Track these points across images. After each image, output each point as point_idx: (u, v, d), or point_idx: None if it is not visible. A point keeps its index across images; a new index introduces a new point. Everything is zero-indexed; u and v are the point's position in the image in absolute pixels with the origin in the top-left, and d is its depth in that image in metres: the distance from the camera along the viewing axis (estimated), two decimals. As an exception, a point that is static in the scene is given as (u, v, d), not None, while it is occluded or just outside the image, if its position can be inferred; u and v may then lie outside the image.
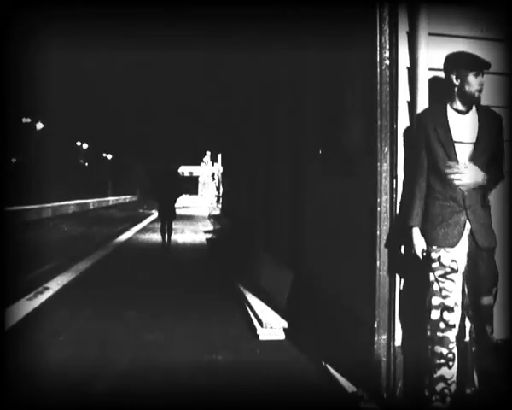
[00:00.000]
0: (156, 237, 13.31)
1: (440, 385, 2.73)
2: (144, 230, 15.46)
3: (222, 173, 24.65)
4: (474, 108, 2.82)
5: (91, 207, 34.53)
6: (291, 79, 5.94)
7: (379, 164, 3.16)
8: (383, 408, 3.01)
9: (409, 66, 3.10)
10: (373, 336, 3.15)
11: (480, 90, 2.77)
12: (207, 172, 43.35)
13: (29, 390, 3.19)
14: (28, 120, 38.80)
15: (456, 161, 2.75)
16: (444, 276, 2.76)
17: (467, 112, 2.81)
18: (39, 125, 40.94)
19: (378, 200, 3.15)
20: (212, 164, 36.96)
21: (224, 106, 13.93)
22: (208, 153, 40.03)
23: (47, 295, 5.98)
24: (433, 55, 3.06)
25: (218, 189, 31.10)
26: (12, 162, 36.08)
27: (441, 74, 2.99)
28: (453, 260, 2.75)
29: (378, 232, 3.15)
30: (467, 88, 2.76)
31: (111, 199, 45.26)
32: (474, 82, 2.75)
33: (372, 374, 3.17)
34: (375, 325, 3.15)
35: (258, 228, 8.41)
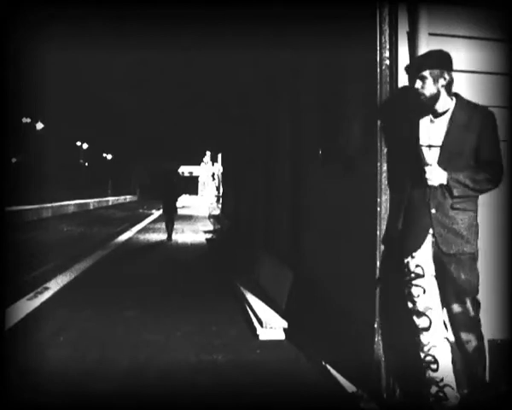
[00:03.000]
0: (156, 236, 13.35)
1: (433, 388, 2.73)
2: (144, 230, 15.47)
3: (222, 173, 24.66)
4: (450, 109, 2.71)
5: (91, 207, 34.54)
6: (291, 78, 5.94)
7: (379, 164, 3.16)
8: (383, 408, 3.01)
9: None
10: (373, 336, 3.16)
11: (427, 96, 2.67)
12: (207, 172, 43.36)
13: (29, 390, 3.19)
14: (28, 120, 38.80)
15: (427, 164, 2.67)
16: (410, 281, 2.77)
17: (441, 115, 2.71)
18: (39, 125, 40.94)
19: (378, 200, 3.16)
20: (212, 164, 36.97)
21: (224, 106, 13.93)
22: (208, 153, 40.03)
23: (47, 295, 5.99)
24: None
25: (218, 189, 31.12)
26: (12, 162, 36.08)
27: (441, 74, 2.98)
28: (417, 266, 2.73)
29: (378, 232, 3.15)
30: (420, 93, 2.70)
31: (111, 199, 45.25)
32: (422, 87, 2.68)
33: (372, 374, 3.17)
34: (375, 325, 3.15)
35: (258, 228, 8.41)
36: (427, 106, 2.73)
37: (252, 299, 5.44)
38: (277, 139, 6.88)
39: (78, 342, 4.20)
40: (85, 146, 57.65)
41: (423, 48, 3.04)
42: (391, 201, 3.11)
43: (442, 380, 2.71)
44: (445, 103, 2.71)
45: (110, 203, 42.53)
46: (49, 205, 24.85)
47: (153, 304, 5.64)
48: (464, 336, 2.67)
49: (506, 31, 3.17)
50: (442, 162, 2.67)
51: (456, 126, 2.66)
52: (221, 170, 25.80)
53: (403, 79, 3.11)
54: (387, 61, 3.15)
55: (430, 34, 3.06)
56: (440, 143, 2.68)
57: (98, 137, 58.80)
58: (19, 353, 3.89)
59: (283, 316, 4.76)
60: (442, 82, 2.67)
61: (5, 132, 3.79)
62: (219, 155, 27.93)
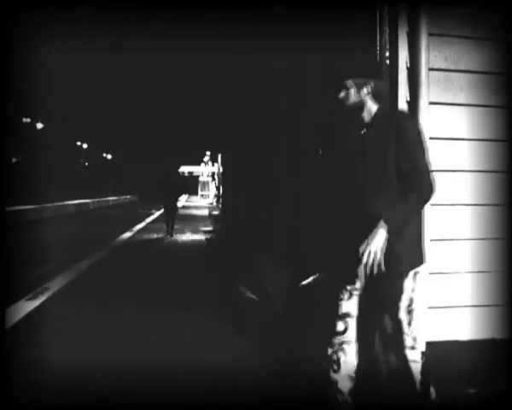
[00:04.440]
0: (156, 236, 13.36)
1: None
2: (145, 229, 15.48)
3: (222, 173, 24.69)
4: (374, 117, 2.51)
5: (91, 207, 34.50)
6: (291, 79, 5.94)
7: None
8: (379, 407, 3.01)
9: (409, 66, 3.11)
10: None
11: (351, 105, 2.53)
12: (207, 172, 43.43)
13: (29, 390, 3.20)
14: (28, 120, 38.85)
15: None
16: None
17: (368, 125, 2.51)
18: (39, 125, 40.99)
19: (378, 200, 3.15)
20: (212, 164, 37.04)
21: (224, 106, 13.96)
22: (208, 153, 40.10)
23: (47, 295, 5.99)
24: (433, 56, 3.06)
25: (218, 189, 31.16)
26: (12, 162, 36.11)
27: (441, 74, 3.00)
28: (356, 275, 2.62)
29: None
30: (344, 102, 2.58)
31: (111, 199, 45.21)
32: (346, 96, 2.58)
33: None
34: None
35: (258, 228, 8.42)
36: (356, 117, 2.55)
37: (251, 299, 5.44)
38: (277, 139, 6.88)
39: (78, 342, 4.20)
40: (85, 146, 57.70)
41: (423, 48, 3.05)
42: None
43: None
44: (371, 113, 2.51)
45: (110, 203, 42.50)
46: (49, 205, 24.83)
47: (153, 305, 5.65)
48: (378, 349, 2.61)
49: (505, 31, 3.18)
50: (372, 182, 2.43)
51: (374, 138, 2.44)
52: (221, 170, 25.84)
53: (403, 80, 3.12)
54: (387, 62, 3.15)
55: (430, 34, 3.07)
56: (367, 159, 2.46)
57: (98, 137, 58.91)
58: (19, 352, 3.89)
59: (283, 316, 4.76)
60: (366, 90, 2.52)
61: (5, 132, 3.80)
62: (219, 155, 27.96)
